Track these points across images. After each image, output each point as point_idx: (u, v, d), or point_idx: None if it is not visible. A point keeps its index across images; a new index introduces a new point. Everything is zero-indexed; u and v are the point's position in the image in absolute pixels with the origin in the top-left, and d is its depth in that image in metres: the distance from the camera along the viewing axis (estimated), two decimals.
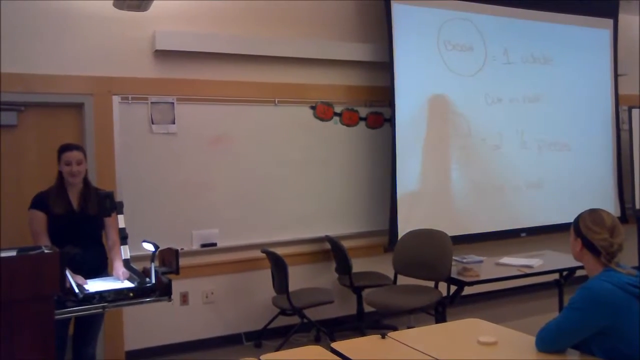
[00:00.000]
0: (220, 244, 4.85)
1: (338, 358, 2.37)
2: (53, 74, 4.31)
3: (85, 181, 3.46)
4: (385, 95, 5.40)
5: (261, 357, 2.36)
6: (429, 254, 4.44)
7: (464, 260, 4.35)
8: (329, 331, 4.90)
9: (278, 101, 5.08)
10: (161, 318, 4.62)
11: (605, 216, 2.32)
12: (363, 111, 5.46)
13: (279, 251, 4.71)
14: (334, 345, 2.49)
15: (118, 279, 3.25)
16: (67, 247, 3.08)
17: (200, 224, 4.79)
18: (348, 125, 5.40)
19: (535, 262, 4.45)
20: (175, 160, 4.71)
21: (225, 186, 4.89)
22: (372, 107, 5.49)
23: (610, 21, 6.66)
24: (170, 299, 3.08)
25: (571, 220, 2.41)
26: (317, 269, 5.25)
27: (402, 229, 5.08)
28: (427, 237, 4.60)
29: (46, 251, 2.69)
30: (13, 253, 2.61)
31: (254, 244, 4.92)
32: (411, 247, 4.65)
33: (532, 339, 2.39)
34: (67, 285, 2.79)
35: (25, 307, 2.43)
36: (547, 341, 2.31)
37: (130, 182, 4.54)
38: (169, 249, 3.32)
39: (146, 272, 3.16)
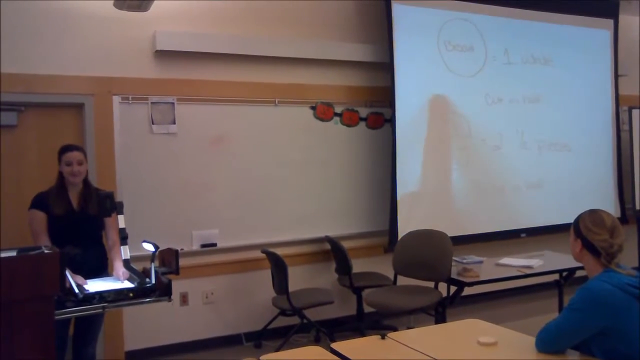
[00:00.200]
0: (220, 245, 4.85)
1: (338, 358, 2.37)
2: (53, 74, 4.31)
3: (86, 181, 3.46)
4: (385, 95, 5.40)
5: (261, 358, 2.36)
6: (429, 254, 4.44)
7: (464, 261, 4.35)
8: (328, 332, 4.90)
9: (278, 101, 5.08)
10: (161, 318, 4.62)
11: (605, 217, 2.32)
12: (363, 111, 5.47)
13: (279, 251, 4.71)
14: (334, 345, 2.49)
15: (118, 279, 3.26)
16: (67, 248, 3.09)
17: (200, 224, 4.79)
18: (348, 126, 5.41)
19: (535, 262, 4.45)
20: (175, 161, 4.71)
21: (225, 186, 4.89)
22: (372, 107, 5.49)
23: (611, 21, 6.66)
24: (170, 299, 3.09)
25: (571, 220, 2.41)
26: (317, 269, 5.25)
27: (402, 230, 5.08)
28: (427, 238, 4.60)
29: (46, 251, 2.69)
30: (13, 253, 2.61)
31: (253, 245, 4.92)
32: (411, 248, 4.64)
33: (532, 340, 2.39)
34: (67, 285, 2.79)
35: (25, 307, 2.44)
36: (547, 342, 2.31)
37: (131, 183, 4.54)
38: (169, 249, 3.32)
39: (146, 273, 3.16)
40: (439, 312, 4.28)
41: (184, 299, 4.76)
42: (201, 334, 4.82)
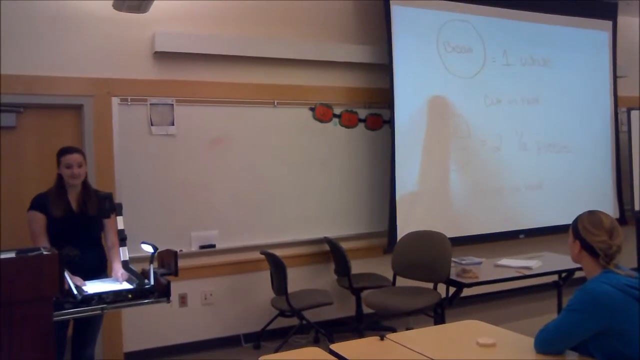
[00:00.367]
0: (219, 246, 4.85)
1: None
2: (52, 75, 4.31)
3: (85, 183, 3.46)
4: (384, 96, 5.40)
5: (260, 359, 2.36)
6: (428, 255, 4.44)
7: (463, 262, 4.36)
8: (327, 333, 4.90)
9: (277, 103, 5.08)
10: (160, 319, 4.62)
11: (604, 218, 2.32)
12: (362, 113, 5.47)
13: (278, 253, 4.70)
14: (333, 346, 2.49)
15: (117, 280, 3.25)
16: (66, 249, 3.10)
17: (199, 225, 4.79)
18: (347, 127, 5.41)
19: (534, 263, 4.45)
20: (174, 162, 4.71)
21: (224, 188, 4.89)
22: (371, 108, 5.50)
23: (610, 23, 6.67)
24: (169, 301, 3.09)
25: (570, 221, 2.41)
26: (316, 270, 5.25)
27: (401, 231, 5.09)
28: (426, 239, 4.60)
29: (45, 253, 2.69)
30: (12, 254, 2.61)
31: (252, 246, 4.92)
32: (410, 249, 4.65)
33: (531, 341, 2.39)
34: (66, 286, 2.79)
35: (24, 308, 2.44)
36: (545, 343, 2.31)
37: (130, 184, 4.54)
38: (168, 251, 3.32)
39: (145, 274, 3.16)
40: (438, 313, 4.28)
41: (183, 300, 4.76)
42: (200, 335, 4.82)
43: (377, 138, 5.51)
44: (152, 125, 4.63)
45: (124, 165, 4.53)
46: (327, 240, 5.16)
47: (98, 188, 3.68)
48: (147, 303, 3.06)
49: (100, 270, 3.47)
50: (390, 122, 5.34)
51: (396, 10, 5.31)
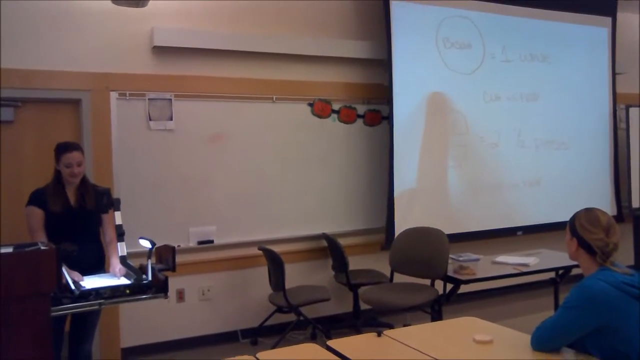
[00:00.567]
0: (217, 241, 4.85)
1: (334, 356, 2.38)
2: (50, 69, 4.30)
3: (83, 178, 3.46)
4: (383, 92, 5.40)
5: (257, 355, 2.36)
6: (426, 252, 4.45)
7: (461, 259, 4.37)
8: (325, 329, 4.90)
9: (276, 98, 5.07)
10: (157, 315, 4.62)
11: (601, 215, 2.32)
12: (361, 108, 5.46)
13: (276, 248, 4.71)
14: (330, 342, 2.50)
15: (115, 275, 3.25)
16: (64, 244, 3.10)
17: (197, 220, 4.79)
18: (346, 123, 5.40)
19: (531, 260, 4.46)
20: (172, 157, 4.70)
21: (222, 183, 4.88)
22: (370, 104, 5.49)
23: (609, 19, 6.66)
24: (166, 296, 3.09)
25: (568, 218, 2.42)
26: (313, 266, 5.25)
27: (399, 227, 5.09)
28: (423, 235, 4.60)
29: (43, 248, 2.69)
30: (10, 249, 2.61)
31: (250, 241, 4.92)
32: (408, 245, 4.65)
33: (527, 338, 2.39)
34: (64, 281, 2.79)
35: (21, 303, 2.44)
36: (542, 340, 2.32)
37: (128, 179, 4.53)
38: (166, 246, 3.32)
39: (143, 269, 3.16)
40: (435, 309, 4.30)
41: (181, 296, 4.76)
42: (198, 331, 4.82)
43: (375, 134, 5.51)
44: (150, 120, 4.63)
45: (122, 160, 4.52)
46: (325, 236, 5.17)
47: (96, 183, 3.67)
48: (145, 298, 3.06)
49: (98, 266, 3.47)
50: (389, 118, 5.33)
51: (395, 6, 5.30)
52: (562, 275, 4.62)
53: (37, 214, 3.31)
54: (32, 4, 4.24)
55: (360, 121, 5.46)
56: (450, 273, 4.19)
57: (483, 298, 5.70)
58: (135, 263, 3.31)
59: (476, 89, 5.79)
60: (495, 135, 5.89)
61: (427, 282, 4.45)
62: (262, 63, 5.01)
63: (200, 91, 4.77)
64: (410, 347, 2.44)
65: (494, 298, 5.84)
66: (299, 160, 5.18)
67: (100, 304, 2.92)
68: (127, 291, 3.01)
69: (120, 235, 3.25)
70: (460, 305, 5.17)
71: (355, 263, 5.04)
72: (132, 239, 3.46)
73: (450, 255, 4.35)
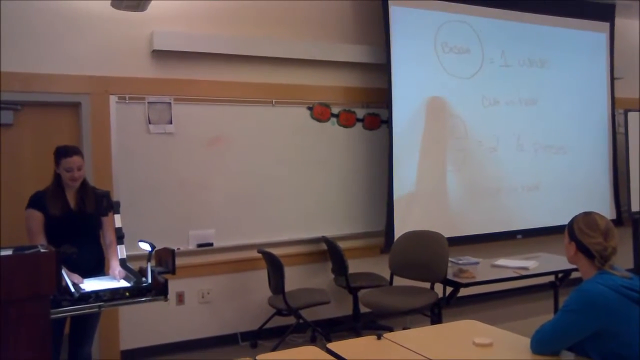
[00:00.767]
0: (216, 244, 4.85)
1: (334, 358, 2.38)
2: (50, 73, 4.31)
3: (83, 181, 3.46)
4: (382, 96, 5.40)
5: (257, 357, 2.36)
6: (425, 255, 4.45)
7: (460, 262, 4.37)
8: (324, 332, 4.90)
9: (275, 102, 5.08)
10: (157, 318, 4.62)
11: (599, 219, 2.32)
12: (360, 112, 5.47)
13: (275, 251, 4.70)
14: (330, 345, 2.50)
15: (114, 278, 3.25)
16: (64, 247, 3.09)
17: (197, 223, 4.79)
18: (345, 127, 5.41)
19: (530, 264, 4.46)
20: (172, 161, 4.71)
21: (222, 186, 4.89)
22: (369, 108, 5.50)
23: (607, 24, 6.68)
24: (166, 299, 3.09)
25: (567, 222, 2.42)
26: (313, 269, 5.25)
27: (399, 230, 5.09)
28: (423, 239, 4.60)
29: (42, 250, 2.69)
30: (9, 252, 2.61)
31: (250, 244, 4.92)
32: (407, 249, 4.65)
33: (527, 341, 2.40)
34: (63, 284, 2.79)
35: (21, 306, 2.43)
36: (542, 343, 2.32)
37: (127, 182, 4.53)
38: (166, 249, 3.32)
39: (142, 272, 3.16)
40: (435, 312, 4.29)
41: (180, 299, 4.76)
42: (197, 334, 4.82)
43: (374, 138, 5.51)
44: (150, 123, 4.63)
45: (121, 164, 4.53)
46: (324, 239, 5.17)
47: (96, 186, 3.67)
48: (145, 301, 3.06)
49: (98, 268, 3.47)
50: (388, 122, 5.34)
51: (394, 11, 5.32)
52: (562, 279, 4.63)
53: (37, 216, 3.31)
54: (33, 7, 4.25)
55: (359, 125, 5.47)
56: (449, 276, 4.19)
57: (483, 301, 5.70)
58: (135, 266, 3.32)
59: (475, 94, 5.81)
60: (494, 140, 5.90)
61: (427, 285, 4.45)
62: (261, 67, 5.02)
63: (199, 95, 4.78)
64: (410, 350, 2.44)
65: (493, 301, 5.85)
66: (299, 164, 5.19)
67: (99, 307, 2.92)
68: (127, 294, 3.01)
69: (119, 238, 3.25)
70: (459, 309, 5.17)
71: (354, 266, 5.04)
72: (131, 242, 3.46)
73: (450, 259, 4.35)
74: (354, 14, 5.45)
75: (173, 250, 3.26)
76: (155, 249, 3.25)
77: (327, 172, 5.32)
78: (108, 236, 3.48)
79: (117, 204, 3.30)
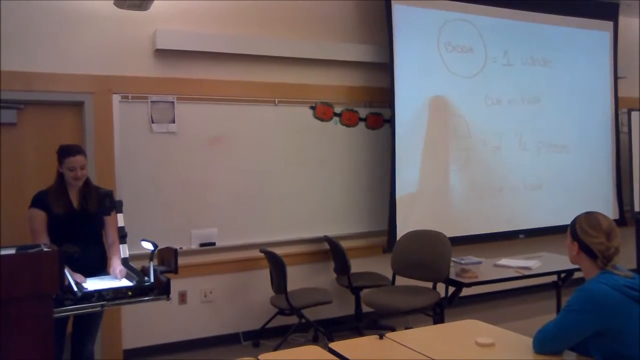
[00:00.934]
0: (219, 244, 4.86)
1: (336, 358, 2.38)
2: (53, 72, 4.32)
3: (86, 180, 3.46)
4: (385, 96, 5.40)
5: (259, 357, 2.36)
6: (428, 255, 4.45)
7: (463, 262, 4.36)
8: (327, 331, 4.91)
9: (278, 101, 5.08)
10: (159, 317, 4.63)
11: (602, 219, 2.32)
12: (363, 112, 5.47)
13: (278, 251, 4.71)
14: (332, 345, 2.50)
15: (115, 277, 3.26)
16: (66, 246, 3.09)
17: (199, 223, 4.80)
18: (348, 126, 5.41)
19: (533, 263, 4.46)
20: (174, 160, 4.71)
21: (224, 186, 4.89)
22: (371, 107, 5.50)
23: (610, 24, 6.67)
24: (168, 298, 3.09)
25: (569, 222, 2.41)
26: (315, 269, 5.25)
27: (401, 230, 5.09)
28: (425, 238, 4.60)
29: (45, 249, 2.69)
30: (12, 251, 2.61)
31: (252, 244, 4.93)
32: (410, 248, 4.65)
33: (529, 341, 2.39)
34: (66, 283, 2.79)
35: (24, 305, 2.44)
36: (544, 343, 2.32)
37: (130, 181, 4.54)
38: (168, 248, 3.32)
39: (145, 271, 3.16)
40: (437, 312, 4.29)
41: (183, 298, 4.76)
42: (199, 333, 4.82)
43: (377, 137, 5.51)
44: (152, 122, 4.64)
45: (124, 163, 4.53)
46: (326, 238, 5.17)
47: (98, 185, 3.68)
48: (147, 300, 3.06)
49: (101, 268, 3.47)
50: (391, 121, 5.34)
51: (397, 10, 5.31)
52: (564, 279, 4.62)
53: (40, 216, 3.32)
54: (35, 6, 4.26)
55: (362, 124, 5.47)
56: (452, 276, 4.19)
57: (485, 301, 5.70)
58: (137, 265, 3.32)
59: (478, 93, 5.80)
60: (497, 139, 5.90)
61: (429, 285, 4.45)
62: (264, 66, 5.02)
63: (202, 94, 4.78)
64: (412, 349, 2.44)
65: (496, 301, 5.84)
66: (301, 163, 5.19)
67: (102, 306, 2.93)
68: (130, 293, 3.01)
69: (122, 237, 3.26)
70: (462, 308, 5.17)
71: (357, 266, 5.04)
72: (134, 241, 3.47)
73: (452, 258, 4.35)
74: (357, 13, 5.44)
75: (175, 250, 3.27)
76: (158, 248, 3.26)
77: (330, 172, 5.31)
78: (110, 235, 3.48)
79: (120, 203, 3.31)
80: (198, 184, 4.78)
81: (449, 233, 4.61)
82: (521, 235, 5.95)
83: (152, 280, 3.08)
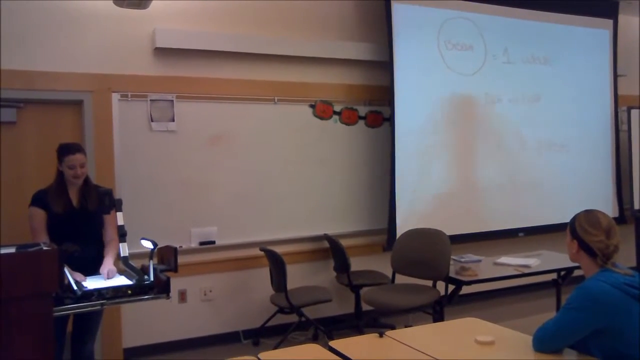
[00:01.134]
0: (218, 242, 4.86)
1: (336, 356, 2.38)
2: (53, 70, 4.31)
3: (85, 179, 3.46)
4: (384, 94, 5.40)
5: (259, 355, 2.37)
6: (427, 253, 4.45)
7: (462, 260, 4.36)
8: (327, 329, 4.91)
9: (277, 99, 5.08)
10: (159, 315, 4.63)
11: (601, 217, 2.32)
12: (362, 110, 5.47)
13: (278, 249, 4.71)
14: (332, 343, 2.50)
15: (103, 276, 3.23)
16: (66, 244, 3.09)
17: (199, 221, 4.80)
18: (347, 124, 5.41)
19: (533, 261, 4.46)
20: (174, 158, 4.71)
21: (224, 184, 4.89)
22: (371, 106, 5.50)
23: (610, 22, 6.67)
24: (168, 297, 3.09)
25: (569, 220, 2.41)
26: (315, 267, 5.25)
27: (401, 228, 5.09)
28: (425, 236, 4.61)
29: (45, 248, 2.69)
30: (12, 250, 2.61)
31: (252, 242, 4.93)
32: (409, 246, 4.65)
33: (529, 339, 2.40)
34: (66, 282, 2.80)
35: (23, 304, 2.44)
36: (544, 341, 2.32)
37: (130, 180, 4.54)
38: (168, 247, 3.32)
39: (145, 270, 3.16)
40: (437, 310, 4.29)
41: (183, 297, 4.76)
42: (199, 332, 4.83)
43: (377, 135, 5.51)
44: (152, 121, 4.64)
45: (124, 161, 4.53)
46: (326, 237, 5.17)
47: (98, 184, 3.68)
48: (147, 299, 3.06)
49: (100, 266, 3.46)
50: (391, 119, 5.34)
51: (397, 8, 5.31)
52: (564, 277, 4.62)
53: (40, 214, 3.32)
54: (35, 5, 4.25)
55: (361, 123, 5.47)
56: (452, 274, 4.19)
57: (485, 299, 5.69)
58: (137, 264, 3.31)
59: (477, 91, 5.80)
60: (496, 137, 5.89)
61: (429, 283, 4.45)
62: (263, 64, 5.02)
63: (202, 92, 4.78)
64: (412, 348, 2.44)
65: (495, 299, 5.84)
66: (301, 162, 5.19)
67: (102, 305, 2.93)
68: (129, 292, 3.01)
69: (122, 235, 3.25)
70: (461, 307, 5.17)
71: (357, 264, 5.04)
72: (134, 240, 3.47)
73: (452, 257, 4.35)
74: (356, 11, 5.44)
75: (175, 248, 3.27)
76: (158, 246, 3.26)
77: (329, 170, 5.31)
78: (109, 234, 3.47)
79: (120, 201, 3.30)
80: (197, 182, 4.78)
81: (449, 231, 4.61)
82: (521, 234, 5.95)
83: (151, 278, 3.08)
